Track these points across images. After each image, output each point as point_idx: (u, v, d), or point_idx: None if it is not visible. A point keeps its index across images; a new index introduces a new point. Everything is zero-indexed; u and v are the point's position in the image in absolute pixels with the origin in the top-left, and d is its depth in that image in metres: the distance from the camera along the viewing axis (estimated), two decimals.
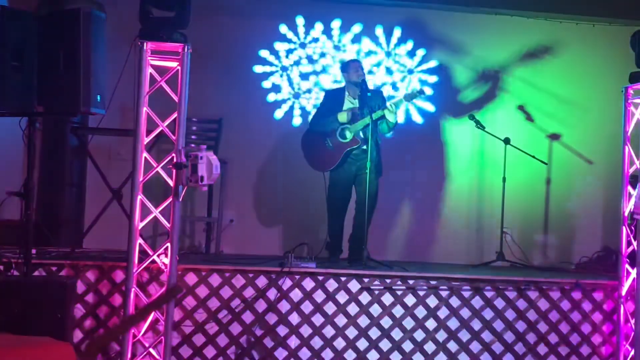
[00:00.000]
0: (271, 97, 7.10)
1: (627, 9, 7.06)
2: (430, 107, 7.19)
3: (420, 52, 7.20)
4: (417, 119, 7.19)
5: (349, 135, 6.03)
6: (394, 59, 7.20)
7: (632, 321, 5.26)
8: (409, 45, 7.20)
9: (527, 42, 7.32)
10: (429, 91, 7.02)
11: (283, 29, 7.11)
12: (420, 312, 5.42)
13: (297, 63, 7.14)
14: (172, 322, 4.89)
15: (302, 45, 7.14)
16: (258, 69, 7.08)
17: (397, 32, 7.18)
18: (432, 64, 7.21)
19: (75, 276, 5.11)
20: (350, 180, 6.11)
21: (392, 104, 5.97)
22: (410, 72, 7.20)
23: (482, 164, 7.31)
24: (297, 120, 7.10)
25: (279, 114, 7.10)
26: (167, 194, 4.83)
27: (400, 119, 6.87)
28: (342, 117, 6.04)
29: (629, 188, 5.41)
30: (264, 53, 7.09)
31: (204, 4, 6.23)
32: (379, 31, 7.18)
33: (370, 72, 7.05)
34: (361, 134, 6.02)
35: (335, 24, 7.15)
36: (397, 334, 5.39)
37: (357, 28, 7.16)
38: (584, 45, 7.36)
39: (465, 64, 7.32)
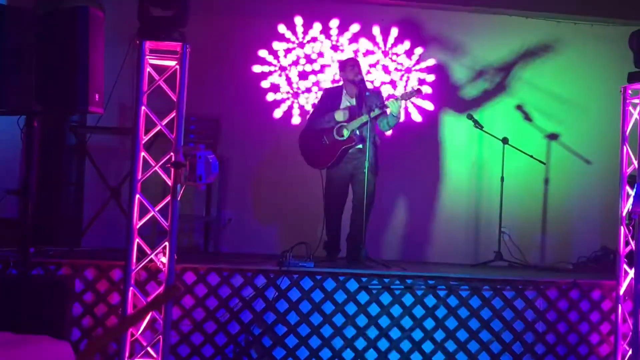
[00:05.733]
0: (269, 96, 7.09)
1: (625, 9, 7.06)
2: (429, 106, 7.18)
3: (419, 51, 7.19)
4: (416, 117, 7.19)
5: (345, 133, 6.03)
6: (392, 58, 7.19)
7: (630, 321, 5.26)
8: (407, 44, 7.18)
9: (526, 42, 7.32)
10: (426, 89, 7.02)
11: (281, 28, 7.09)
12: (419, 311, 5.42)
13: (295, 62, 7.12)
14: (171, 321, 4.88)
15: (301, 45, 7.12)
16: (256, 68, 7.06)
17: (395, 31, 7.16)
18: (431, 62, 7.20)
19: (73, 275, 5.11)
20: (346, 180, 6.11)
21: (393, 100, 5.95)
22: (409, 71, 7.20)
23: (480, 164, 7.31)
24: (295, 120, 7.08)
25: (277, 113, 7.09)
26: (166, 193, 4.83)
27: (401, 117, 6.84)
28: (339, 115, 6.04)
29: (627, 188, 5.42)
30: (263, 52, 7.07)
31: (203, 3, 6.24)
32: (377, 30, 7.16)
33: (368, 71, 7.06)
34: (357, 133, 6.03)
35: (334, 23, 7.13)
36: (395, 334, 5.40)
37: (355, 27, 7.14)
38: (582, 45, 7.36)
39: (464, 64, 7.31)
